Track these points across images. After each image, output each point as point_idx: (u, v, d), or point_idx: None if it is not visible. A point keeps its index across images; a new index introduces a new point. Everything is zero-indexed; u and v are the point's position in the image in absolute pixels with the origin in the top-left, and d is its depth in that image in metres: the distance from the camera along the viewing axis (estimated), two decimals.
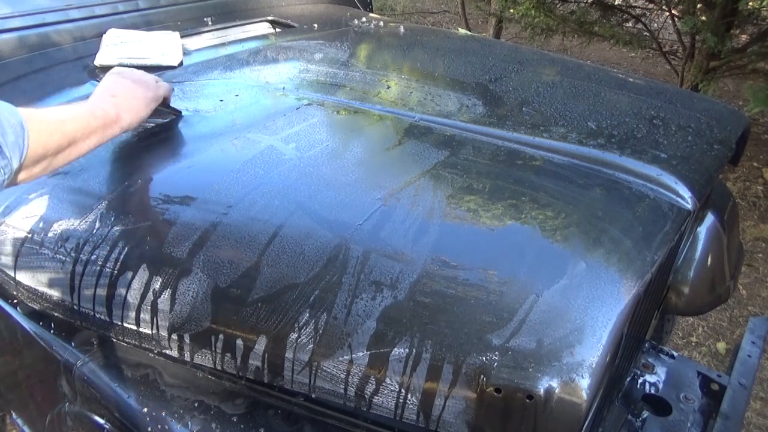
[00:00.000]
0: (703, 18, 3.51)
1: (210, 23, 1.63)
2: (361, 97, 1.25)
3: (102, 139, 0.93)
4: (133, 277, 0.86)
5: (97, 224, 0.90)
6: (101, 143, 0.93)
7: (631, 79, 1.53)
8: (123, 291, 0.87)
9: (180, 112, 1.15)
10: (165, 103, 1.11)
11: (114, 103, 0.97)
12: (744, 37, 4.03)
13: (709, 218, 1.38)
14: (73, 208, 0.93)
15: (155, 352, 0.90)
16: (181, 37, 1.48)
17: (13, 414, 1.24)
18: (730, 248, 1.43)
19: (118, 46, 1.35)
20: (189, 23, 1.59)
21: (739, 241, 1.64)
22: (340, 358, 0.76)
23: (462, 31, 2.09)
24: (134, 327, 0.87)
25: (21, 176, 0.80)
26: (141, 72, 1.08)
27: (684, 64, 4.00)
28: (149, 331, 0.86)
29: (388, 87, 1.32)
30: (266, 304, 0.80)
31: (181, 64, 1.38)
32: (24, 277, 0.95)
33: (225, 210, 0.89)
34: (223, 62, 1.40)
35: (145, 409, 0.87)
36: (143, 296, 0.85)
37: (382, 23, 1.88)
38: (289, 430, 0.86)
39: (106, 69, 1.30)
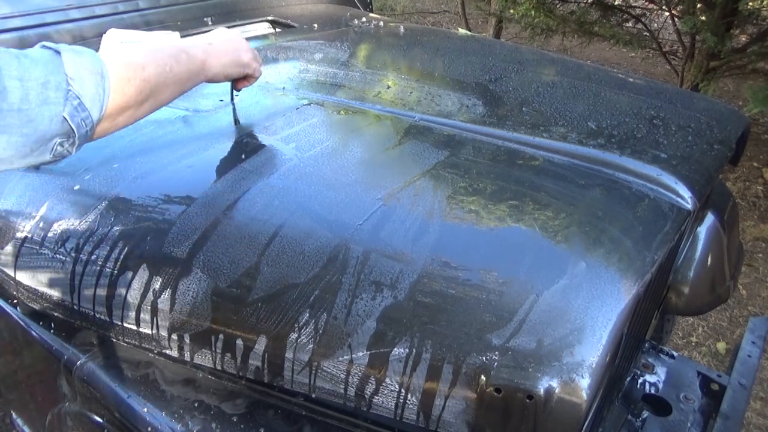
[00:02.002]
0: (703, 18, 3.51)
1: (210, 23, 1.63)
2: (361, 97, 1.25)
3: (187, 86, 0.88)
4: (133, 277, 0.86)
5: (97, 224, 0.90)
6: (184, 92, 0.88)
7: (631, 79, 1.53)
8: (123, 291, 0.87)
9: (233, 100, 1.15)
10: (246, 80, 1.09)
11: (205, 50, 0.93)
12: (744, 37, 4.04)
13: (709, 218, 1.38)
14: (73, 208, 0.93)
15: (155, 352, 0.90)
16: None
17: (13, 414, 1.24)
18: (730, 248, 1.43)
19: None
20: (189, 23, 1.59)
21: (739, 241, 1.64)
22: (340, 358, 0.76)
23: (462, 31, 2.09)
24: (134, 327, 0.87)
25: (104, 126, 0.76)
26: (246, 42, 1.05)
27: (684, 64, 4.00)
28: (149, 331, 0.86)
29: (388, 87, 1.32)
30: (266, 304, 0.80)
31: None
32: (24, 277, 0.95)
33: (225, 210, 0.89)
34: None
35: (145, 409, 0.87)
36: (143, 296, 0.85)
37: (382, 23, 1.88)
38: (289, 430, 0.86)
39: None
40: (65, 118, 0.68)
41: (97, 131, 0.75)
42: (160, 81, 0.82)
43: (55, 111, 0.67)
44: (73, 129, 0.70)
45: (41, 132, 0.67)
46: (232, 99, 1.16)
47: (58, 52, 0.70)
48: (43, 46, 0.71)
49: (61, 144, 0.70)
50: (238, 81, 1.09)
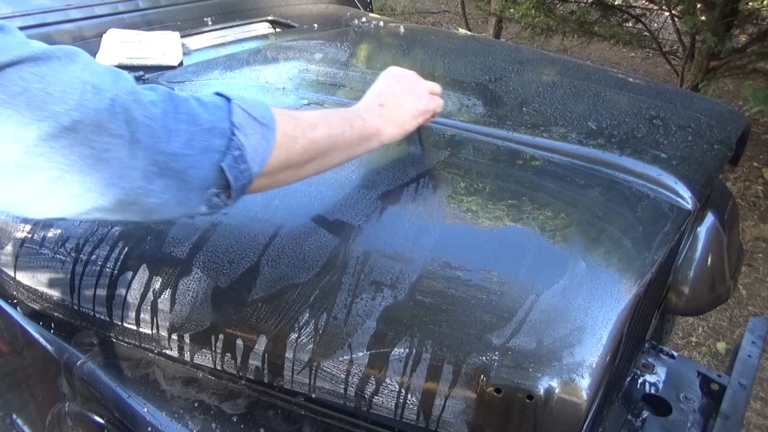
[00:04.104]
0: (703, 18, 3.52)
1: (210, 23, 1.63)
2: (361, 96, 1.25)
3: (357, 151, 0.84)
4: (133, 277, 0.86)
5: (97, 224, 0.90)
6: (356, 156, 0.85)
7: (631, 79, 1.53)
8: (123, 291, 0.87)
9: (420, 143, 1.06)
10: (431, 118, 1.03)
11: (379, 113, 0.88)
12: (744, 37, 4.04)
13: (709, 218, 1.38)
14: None
15: (155, 352, 0.90)
16: (181, 37, 1.48)
17: (13, 414, 1.24)
18: (730, 248, 1.43)
19: (118, 46, 1.35)
20: (189, 23, 1.59)
21: (739, 241, 1.64)
22: (340, 358, 0.76)
23: (462, 31, 2.09)
24: (134, 327, 0.87)
25: (262, 182, 0.72)
26: (415, 77, 0.99)
27: (684, 64, 4.00)
28: (149, 331, 0.86)
29: None
30: (266, 304, 0.80)
31: (181, 64, 1.38)
32: (24, 277, 0.95)
33: (225, 210, 0.88)
34: (223, 62, 1.40)
35: (145, 409, 0.87)
36: (143, 296, 0.85)
37: (382, 23, 1.88)
38: (289, 430, 0.86)
39: None
40: (223, 168, 0.65)
41: (254, 186, 0.71)
42: (330, 144, 0.78)
43: (215, 159, 0.64)
44: (229, 180, 0.66)
45: (199, 180, 0.64)
46: (420, 143, 1.05)
47: (228, 99, 0.68)
48: (216, 93, 0.68)
49: (217, 195, 0.67)
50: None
